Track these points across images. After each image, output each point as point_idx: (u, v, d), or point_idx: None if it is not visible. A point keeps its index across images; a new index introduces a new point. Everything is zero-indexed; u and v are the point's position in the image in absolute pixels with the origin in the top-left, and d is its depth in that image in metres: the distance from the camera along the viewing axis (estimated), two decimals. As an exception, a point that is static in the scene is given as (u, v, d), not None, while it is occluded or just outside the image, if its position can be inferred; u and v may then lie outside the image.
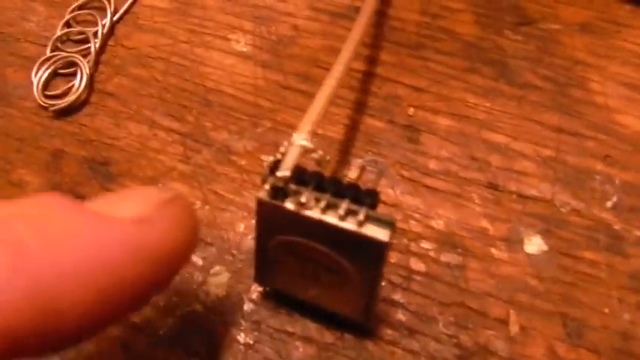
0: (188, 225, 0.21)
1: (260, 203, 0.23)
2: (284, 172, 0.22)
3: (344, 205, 0.22)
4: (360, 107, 0.33)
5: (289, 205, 0.23)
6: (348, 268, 0.23)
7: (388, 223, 0.22)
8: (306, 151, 0.24)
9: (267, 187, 0.23)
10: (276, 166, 0.23)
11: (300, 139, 0.24)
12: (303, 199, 0.22)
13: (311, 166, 0.24)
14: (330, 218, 0.22)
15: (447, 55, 0.34)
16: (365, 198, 0.22)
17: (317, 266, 0.24)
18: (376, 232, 0.22)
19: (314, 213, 0.22)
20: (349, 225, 0.22)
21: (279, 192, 0.23)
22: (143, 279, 0.19)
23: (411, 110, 0.33)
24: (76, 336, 0.18)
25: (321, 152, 0.24)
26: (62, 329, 0.17)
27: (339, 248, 0.23)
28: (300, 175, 0.23)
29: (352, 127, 0.32)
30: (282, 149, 0.24)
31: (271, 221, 0.24)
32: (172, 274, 0.21)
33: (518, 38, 0.35)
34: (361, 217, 0.22)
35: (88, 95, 0.35)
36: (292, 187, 0.23)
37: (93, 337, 0.19)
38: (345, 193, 0.22)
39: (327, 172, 0.23)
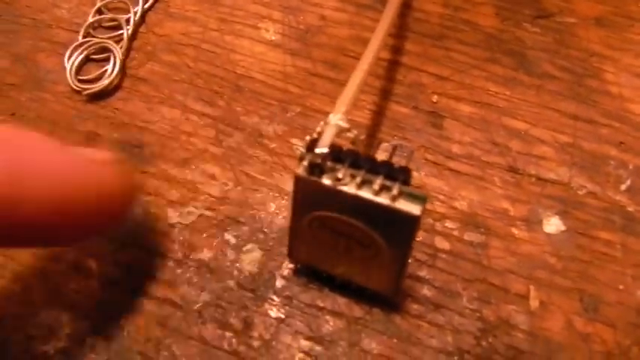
0: (128, 183, 0.26)
1: (298, 179, 0.24)
2: (322, 149, 0.24)
3: (378, 181, 0.23)
4: (386, 94, 0.34)
5: (326, 180, 0.24)
6: (380, 242, 0.25)
7: (420, 198, 0.23)
8: (341, 131, 0.25)
9: (305, 163, 0.24)
10: (313, 144, 0.24)
11: (337, 119, 0.25)
12: (339, 175, 0.23)
13: (345, 147, 0.25)
14: (365, 193, 0.23)
15: (468, 46, 0.36)
16: (398, 174, 0.24)
17: (350, 241, 0.25)
18: (409, 206, 0.23)
19: (350, 188, 0.23)
20: (383, 200, 0.23)
21: (316, 168, 0.24)
22: (93, 205, 0.24)
23: (435, 97, 0.34)
24: (32, 233, 0.22)
25: (355, 132, 0.25)
26: (25, 216, 0.21)
27: (372, 223, 0.24)
28: (336, 153, 0.24)
29: (379, 113, 0.34)
30: (318, 129, 0.25)
31: (308, 197, 0.25)
32: (111, 216, 0.25)
33: (536, 30, 0.36)
34: (395, 192, 0.23)
35: (121, 80, 0.36)
36: (329, 163, 0.24)
37: (41, 246, 0.26)
38: (379, 169, 0.24)
39: (361, 151, 0.25)
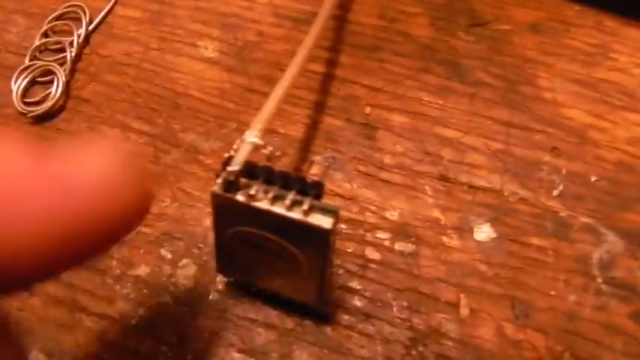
0: (144, 190, 0.21)
1: (214, 196, 0.25)
2: (234, 166, 0.24)
3: (290, 196, 0.24)
4: (319, 107, 0.35)
5: (240, 197, 0.24)
6: (298, 255, 0.25)
7: (332, 212, 0.24)
8: (257, 148, 0.25)
9: (219, 181, 0.24)
10: (229, 162, 0.24)
11: (252, 136, 0.25)
12: (252, 192, 0.24)
13: (265, 162, 0.25)
14: (278, 208, 0.24)
15: (402, 57, 0.36)
16: (310, 189, 0.24)
17: (270, 255, 0.26)
18: (320, 220, 0.23)
19: (263, 204, 0.24)
20: (295, 214, 0.24)
21: (232, 185, 0.24)
22: (95, 234, 0.19)
23: (368, 109, 0.34)
24: (24, 279, 0.18)
25: (271, 148, 0.26)
26: (14, 270, 0.17)
27: (288, 237, 0.25)
28: (251, 170, 0.24)
29: (312, 126, 0.34)
30: (235, 146, 0.25)
31: (225, 213, 0.25)
32: (123, 233, 0.21)
33: (470, 39, 0.36)
34: (306, 206, 0.23)
35: (65, 101, 0.37)
36: (243, 180, 0.24)
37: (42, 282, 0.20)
38: (292, 185, 0.24)
39: (279, 167, 0.25)
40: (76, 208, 0.18)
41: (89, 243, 0.19)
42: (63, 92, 0.37)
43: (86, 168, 0.19)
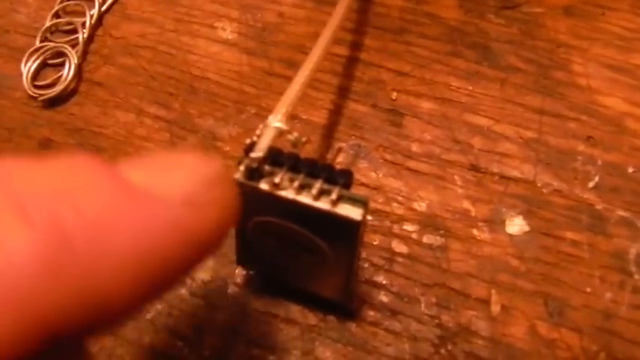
0: (232, 207, 0.20)
1: (236, 184, 0.23)
2: (258, 152, 0.23)
3: (317, 185, 0.22)
4: (343, 92, 0.33)
5: (263, 185, 0.23)
6: (324, 248, 0.24)
7: (361, 202, 0.22)
8: (282, 133, 0.24)
9: (242, 168, 0.23)
10: (251, 147, 0.23)
11: (275, 120, 0.24)
12: (277, 180, 0.22)
13: (290, 149, 0.24)
14: (304, 198, 0.22)
15: (430, 40, 0.35)
16: (339, 178, 0.23)
17: (295, 247, 0.24)
18: (349, 211, 0.22)
19: (288, 193, 0.22)
20: (323, 204, 0.22)
21: (255, 173, 0.23)
22: (185, 261, 0.17)
23: (394, 94, 0.33)
24: (116, 319, 0.16)
25: (296, 134, 0.24)
26: (104, 314, 0.15)
27: (314, 228, 0.23)
28: (276, 157, 0.23)
29: (336, 112, 0.33)
30: (257, 132, 0.24)
31: (248, 202, 0.24)
32: (209, 253, 0.19)
33: (501, 22, 0.35)
34: (334, 196, 0.22)
35: (77, 85, 0.35)
36: (267, 167, 0.23)
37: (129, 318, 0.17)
38: (319, 173, 0.23)
39: (304, 154, 0.24)
40: (164, 228, 0.17)
41: (180, 263, 0.17)
42: (75, 75, 0.35)
43: (173, 181, 0.18)
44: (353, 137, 0.32)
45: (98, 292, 0.15)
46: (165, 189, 0.17)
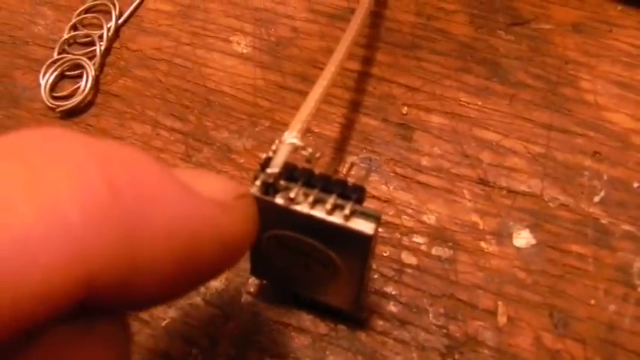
0: (254, 221, 0.22)
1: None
2: (274, 168, 0.23)
3: (331, 200, 0.23)
4: (355, 106, 0.34)
5: (279, 200, 0.23)
6: (337, 260, 0.24)
7: (374, 217, 0.23)
8: (296, 149, 0.25)
9: (258, 183, 0.24)
10: (267, 163, 0.24)
11: (291, 137, 0.25)
12: (292, 195, 0.23)
13: (304, 164, 0.24)
14: (318, 212, 0.23)
15: (441, 55, 0.35)
16: (352, 193, 0.23)
17: (307, 259, 0.25)
18: (362, 225, 0.23)
19: (303, 207, 0.23)
20: (336, 219, 0.23)
21: (270, 188, 0.24)
22: (212, 258, 0.19)
23: (405, 109, 0.34)
24: (146, 299, 0.17)
25: (310, 149, 0.25)
26: (138, 288, 0.16)
27: (327, 241, 0.24)
28: (291, 172, 0.24)
29: (347, 126, 0.33)
30: (273, 147, 0.24)
31: (263, 216, 0.25)
32: (233, 262, 0.21)
33: (510, 38, 0.36)
34: (347, 211, 0.23)
35: (94, 96, 0.36)
36: (282, 183, 0.24)
37: (153, 306, 0.19)
38: (332, 188, 0.23)
39: (317, 169, 0.24)
40: (202, 219, 0.18)
41: (209, 261, 0.19)
42: (92, 87, 0.36)
43: (209, 187, 0.19)
44: (364, 151, 0.32)
45: (136, 255, 0.16)
46: (200, 188, 0.19)
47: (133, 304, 0.18)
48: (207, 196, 0.19)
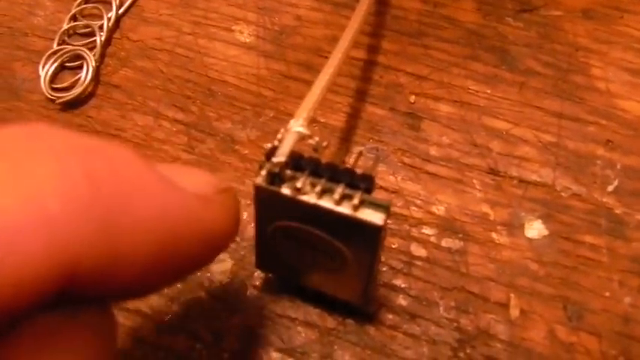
0: (236, 215, 0.21)
1: (257, 189, 0.23)
2: (279, 157, 0.23)
3: (339, 190, 0.22)
4: (362, 95, 0.33)
5: (285, 190, 0.23)
6: (345, 252, 0.24)
7: (383, 207, 0.22)
8: (303, 138, 0.24)
9: (263, 172, 0.23)
10: (273, 152, 0.23)
11: (297, 125, 0.24)
12: (298, 185, 0.22)
13: (309, 153, 0.24)
14: (326, 203, 0.22)
15: (448, 43, 0.35)
16: (360, 182, 0.23)
17: (315, 251, 0.24)
18: (371, 215, 0.22)
19: (310, 198, 0.22)
20: (344, 209, 0.22)
21: (276, 178, 0.23)
22: (192, 251, 0.19)
23: (413, 98, 0.33)
24: (127, 289, 0.18)
25: (317, 138, 0.24)
26: (119, 277, 0.17)
27: (335, 232, 0.23)
28: (297, 161, 0.23)
29: (354, 115, 0.33)
30: (279, 136, 0.24)
31: (269, 207, 0.24)
32: (212, 256, 0.21)
33: (519, 25, 0.35)
34: (356, 201, 0.22)
35: (94, 88, 0.36)
36: (288, 172, 0.23)
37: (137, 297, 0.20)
38: (340, 178, 0.23)
39: (324, 158, 0.24)
40: (183, 212, 0.18)
41: (189, 253, 0.19)
42: (92, 78, 0.35)
43: (191, 181, 0.20)
44: (371, 141, 0.32)
45: (116, 246, 0.16)
46: (182, 182, 0.19)
47: (115, 293, 0.18)
48: (189, 190, 0.19)
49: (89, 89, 0.35)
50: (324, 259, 0.25)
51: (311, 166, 0.23)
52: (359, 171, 0.23)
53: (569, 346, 0.26)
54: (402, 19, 0.36)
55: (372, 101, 0.33)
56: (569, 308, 0.27)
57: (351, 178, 0.23)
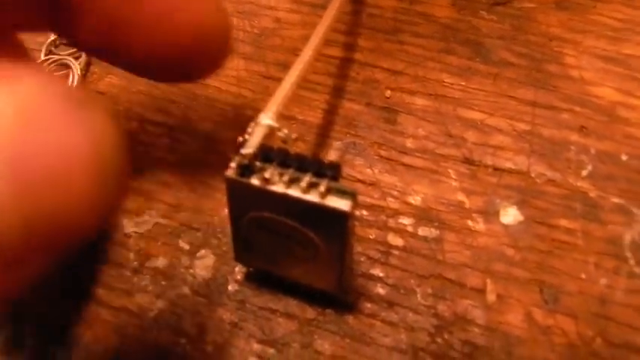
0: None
1: (228, 181, 0.24)
2: (248, 149, 0.23)
3: (306, 179, 0.23)
4: (339, 92, 0.34)
5: (254, 180, 0.23)
6: (316, 240, 0.24)
7: (350, 194, 0.23)
8: (272, 130, 0.25)
9: (233, 165, 0.24)
10: (242, 145, 0.24)
11: (266, 118, 0.25)
12: (267, 175, 0.23)
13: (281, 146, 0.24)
14: (294, 191, 0.23)
15: (423, 38, 0.35)
16: (327, 171, 0.23)
17: (288, 241, 0.25)
18: (338, 202, 0.23)
19: (278, 187, 0.23)
20: (312, 197, 0.23)
21: (246, 170, 0.24)
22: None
23: (389, 92, 0.33)
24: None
25: (286, 131, 0.25)
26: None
27: (305, 221, 0.24)
28: (266, 153, 0.24)
29: (331, 112, 0.33)
30: (249, 129, 0.25)
31: (241, 199, 0.25)
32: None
33: (493, 18, 0.35)
34: (322, 188, 0.23)
35: (81, 95, 0.36)
36: (258, 164, 0.24)
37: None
38: (308, 167, 0.23)
39: (293, 150, 0.24)
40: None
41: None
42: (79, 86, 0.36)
43: None
44: (348, 135, 0.32)
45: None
46: None
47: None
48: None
49: (76, 97, 0.36)
50: (298, 249, 0.25)
51: (279, 157, 0.24)
52: (326, 160, 0.24)
53: (546, 328, 0.26)
54: (378, 17, 0.36)
55: (348, 97, 0.34)
56: (545, 291, 0.27)
57: (319, 167, 0.23)
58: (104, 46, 0.24)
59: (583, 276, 0.27)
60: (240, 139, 0.24)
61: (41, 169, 0.15)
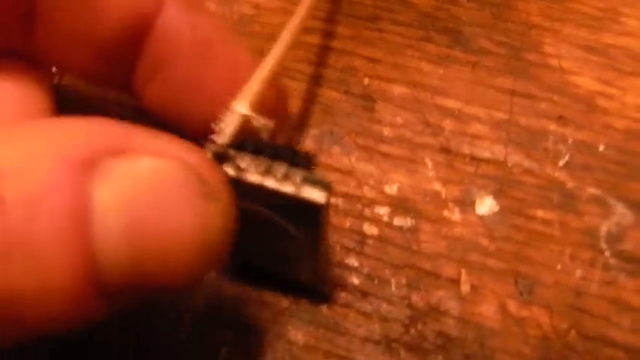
0: None
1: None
2: (221, 138, 0.23)
3: (281, 169, 0.23)
4: (317, 80, 0.33)
5: (229, 170, 0.23)
6: (291, 230, 0.24)
7: (325, 185, 0.23)
8: (246, 119, 0.24)
9: (208, 154, 0.23)
10: (216, 133, 0.23)
11: (239, 106, 0.24)
12: (242, 164, 0.23)
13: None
14: (269, 182, 0.23)
15: (402, 26, 0.35)
16: (302, 160, 0.23)
17: (264, 231, 0.25)
18: (313, 193, 0.22)
19: (253, 177, 0.23)
20: (287, 188, 0.23)
21: (220, 159, 0.23)
22: None
23: (367, 80, 0.33)
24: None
25: (262, 120, 0.25)
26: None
27: (279, 211, 0.24)
28: (241, 142, 0.23)
29: (310, 100, 0.33)
30: (221, 117, 0.24)
31: (214, 188, 0.24)
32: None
33: (473, 6, 0.35)
34: (298, 179, 0.22)
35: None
36: (231, 152, 0.23)
37: None
38: (282, 155, 0.23)
39: (277, 141, 0.24)
40: None
41: None
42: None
43: None
44: (325, 123, 0.32)
45: None
46: None
47: None
48: None
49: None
50: (274, 239, 0.25)
51: (253, 145, 0.23)
52: (301, 149, 0.23)
53: (520, 320, 0.27)
54: (358, 5, 0.36)
55: (327, 85, 0.33)
56: (520, 282, 0.27)
57: (293, 157, 0.23)
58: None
59: (558, 267, 0.27)
60: (213, 126, 0.24)
61: (153, 242, 0.17)
